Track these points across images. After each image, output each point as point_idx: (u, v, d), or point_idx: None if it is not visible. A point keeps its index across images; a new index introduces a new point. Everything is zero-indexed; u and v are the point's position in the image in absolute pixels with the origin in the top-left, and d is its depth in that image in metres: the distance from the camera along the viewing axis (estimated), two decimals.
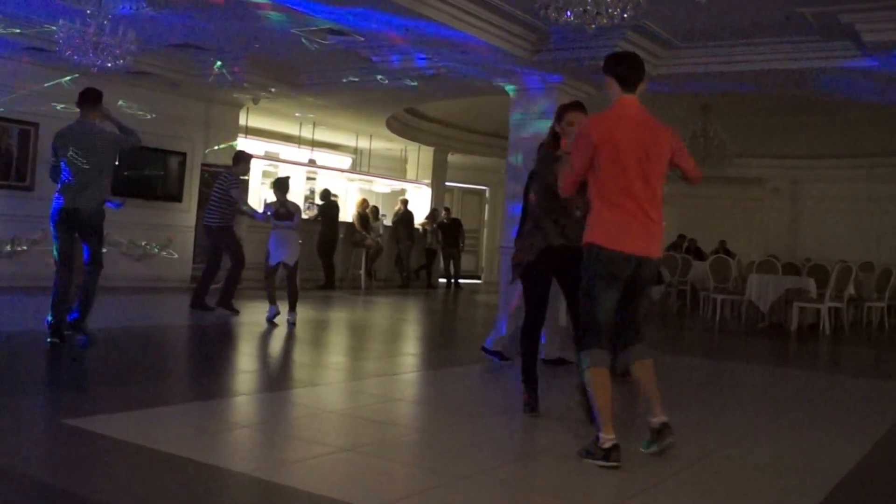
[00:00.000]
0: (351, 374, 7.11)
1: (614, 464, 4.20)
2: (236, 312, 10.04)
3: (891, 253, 19.02)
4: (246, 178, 10.84)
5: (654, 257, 4.47)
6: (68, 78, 11.83)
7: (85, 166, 7.11)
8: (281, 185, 9.81)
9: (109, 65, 8.81)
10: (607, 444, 4.23)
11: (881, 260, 17.37)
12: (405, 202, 18.41)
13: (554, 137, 5.42)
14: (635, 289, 4.47)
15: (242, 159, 10.67)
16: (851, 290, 13.31)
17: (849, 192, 20.88)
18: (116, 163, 7.65)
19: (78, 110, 7.37)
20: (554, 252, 5.29)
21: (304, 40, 10.79)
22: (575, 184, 4.53)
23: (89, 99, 7.33)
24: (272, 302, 9.71)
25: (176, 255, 14.17)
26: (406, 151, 21.53)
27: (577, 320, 4.82)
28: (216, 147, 14.86)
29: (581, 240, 4.52)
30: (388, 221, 18.69)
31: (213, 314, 9.93)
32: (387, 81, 12.45)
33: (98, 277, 7.40)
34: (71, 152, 7.10)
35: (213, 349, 8.31)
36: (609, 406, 4.30)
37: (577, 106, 5.43)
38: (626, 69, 4.49)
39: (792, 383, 8.08)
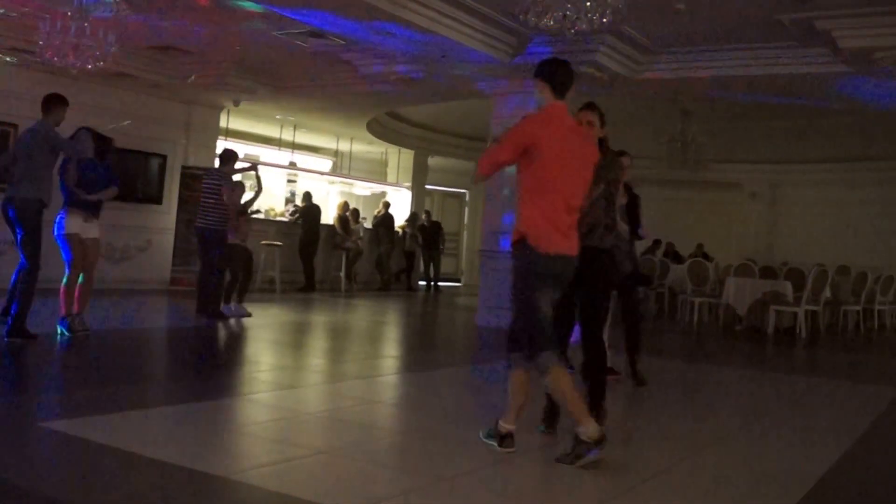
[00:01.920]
0: (330, 377, 7.11)
1: (509, 449, 4.47)
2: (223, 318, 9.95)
3: (867, 257, 19.20)
4: (237, 177, 10.62)
5: (575, 255, 4.56)
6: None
7: (21, 163, 7.32)
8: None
9: (90, 66, 8.78)
10: (504, 431, 4.50)
11: (857, 263, 17.52)
12: (386, 205, 18.42)
13: None
14: (562, 287, 4.61)
15: (230, 158, 10.43)
16: (828, 293, 13.44)
17: (826, 196, 21.04)
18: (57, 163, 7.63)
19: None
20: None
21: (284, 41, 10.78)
22: (495, 167, 4.57)
23: (45, 102, 7.56)
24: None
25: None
26: (386, 154, 21.54)
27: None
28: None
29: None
30: (368, 224, 18.69)
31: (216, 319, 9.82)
32: (367, 85, 12.46)
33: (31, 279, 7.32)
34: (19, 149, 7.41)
35: (192, 352, 8.28)
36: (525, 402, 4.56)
37: (588, 106, 5.44)
38: (564, 76, 4.58)
39: (768, 386, 8.15)
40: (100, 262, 12.09)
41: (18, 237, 7.33)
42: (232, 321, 9.79)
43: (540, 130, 4.43)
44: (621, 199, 5.98)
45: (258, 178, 10.77)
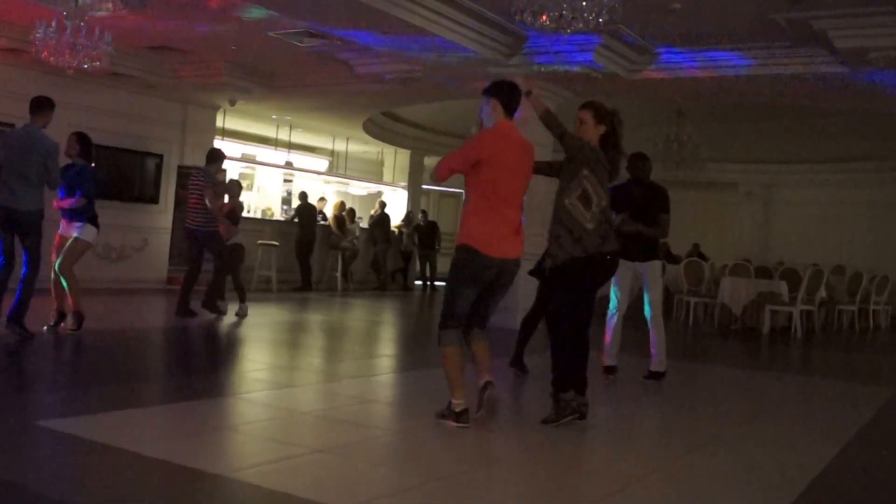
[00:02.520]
0: (326, 376, 7.12)
1: (464, 425, 4.88)
2: (222, 314, 9.96)
3: (862, 257, 19.26)
4: (221, 177, 10.55)
5: (514, 258, 5.06)
6: None
7: (13, 167, 7.32)
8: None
9: (86, 66, 8.79)
10: (458, 409, 4.92)
11: (852, 263, 17.59)
12: (382, 205, 18.43)
13: None
14: (494, 286, 5.05)
15: (215, 157, 10.27)
16: (823, 293, 13.49)
17: (821, 196, 21.10)
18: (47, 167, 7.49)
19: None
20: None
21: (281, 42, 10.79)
22: (451, 173, 5.01)
23: (32, 105, 7.59)
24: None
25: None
26: (382, 154, 21.55)
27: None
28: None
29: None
30: (364, 224, 18.70)
31: (198, 318, 9.78)
32: (363, 85, 12.47)
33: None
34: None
35: (189, 351, 8.29)
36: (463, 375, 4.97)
37: (583, 105, 5.58)
38: (515, 100, 5.08)
39: (763, 386, 8.18)
40: (96, 262, 12.13)
41: (24, 241, 7.33)
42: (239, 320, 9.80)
43: (491, 149, 4.95)
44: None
45: (234, 193, 10.76)
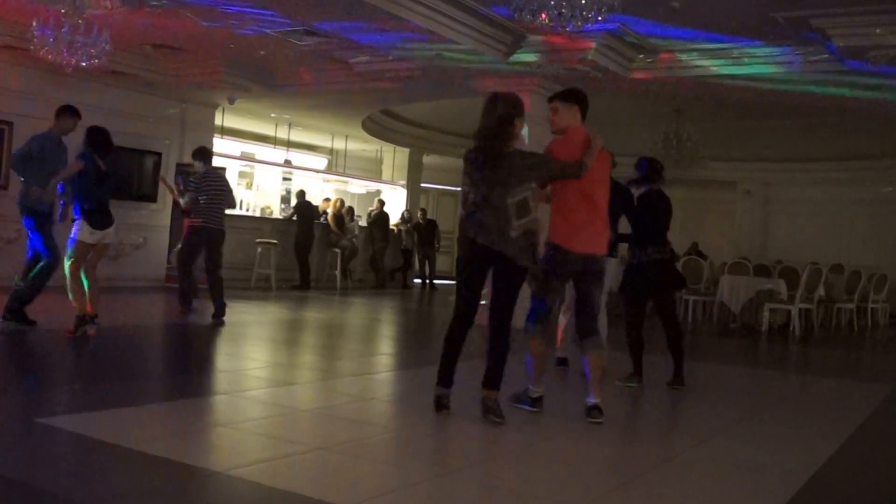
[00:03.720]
0: (325, 374, 7.13)
1: (536, 410, 5.51)
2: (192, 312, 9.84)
3: (860, 255, 19.28)
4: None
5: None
6: None
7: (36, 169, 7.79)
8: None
9: (84, 64, 8.79)
10: (535, 395, 5.55)
11: (851, 262, 17.60)
12: (381, 203, 18.43)
13: None
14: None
15: (198, 154, 10.15)
16: (821, 291, 13.49)
17: (819, 195, 21.12)
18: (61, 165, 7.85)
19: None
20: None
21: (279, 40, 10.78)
22: None
23: (58, 112, 8.07)
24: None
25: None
26: (381, 152, 21.54)
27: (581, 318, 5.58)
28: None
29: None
30: (363, 222, 18.70)
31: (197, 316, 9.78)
32: (362, 83, 12.47)
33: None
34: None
35: (188, 349, 8.29)
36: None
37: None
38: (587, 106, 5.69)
39: (762, 383, 8.19)
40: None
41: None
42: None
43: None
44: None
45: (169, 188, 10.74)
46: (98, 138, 7.84)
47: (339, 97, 14.23)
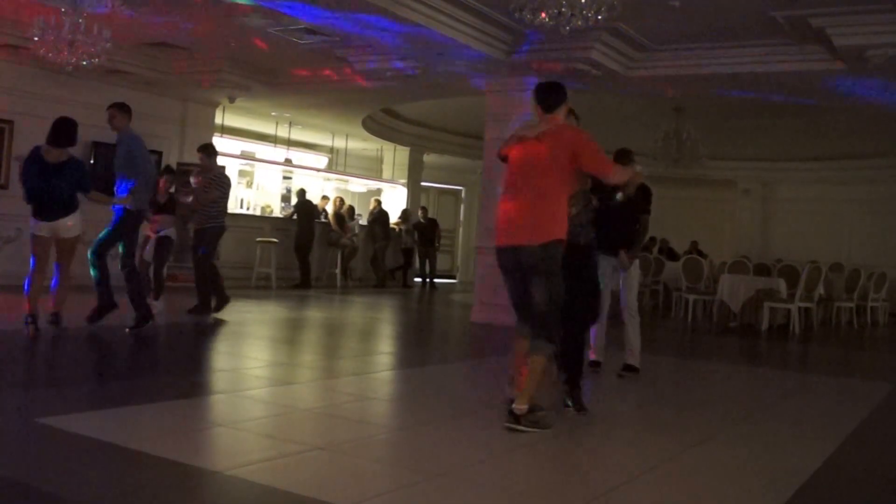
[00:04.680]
0: (326, 373, 7.13)
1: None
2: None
3: (859, 254, 19.28)
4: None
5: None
6: None
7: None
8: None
9: (84, 63, 8.79)
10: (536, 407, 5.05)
11: (850, 261, 17.59)
12: (379, 202, 18.43)
13: None
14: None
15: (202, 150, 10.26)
16: (821, 290, 13.49)
17: (819, 194, 21.12)
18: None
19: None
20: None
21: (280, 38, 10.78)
22: None
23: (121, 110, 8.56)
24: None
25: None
26: (382, 151, 21.54)
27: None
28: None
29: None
30: (363, 221, 18.71)
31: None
32: (362, 82, 12.48)
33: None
34: None
35: (187, 348, 8.29)
36: None
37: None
38: None
39: (761, 382, 8.19)
40: None
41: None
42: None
43: None
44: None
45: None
46: (53, 129, 7.69)
47: (339, 96, 14.23)
